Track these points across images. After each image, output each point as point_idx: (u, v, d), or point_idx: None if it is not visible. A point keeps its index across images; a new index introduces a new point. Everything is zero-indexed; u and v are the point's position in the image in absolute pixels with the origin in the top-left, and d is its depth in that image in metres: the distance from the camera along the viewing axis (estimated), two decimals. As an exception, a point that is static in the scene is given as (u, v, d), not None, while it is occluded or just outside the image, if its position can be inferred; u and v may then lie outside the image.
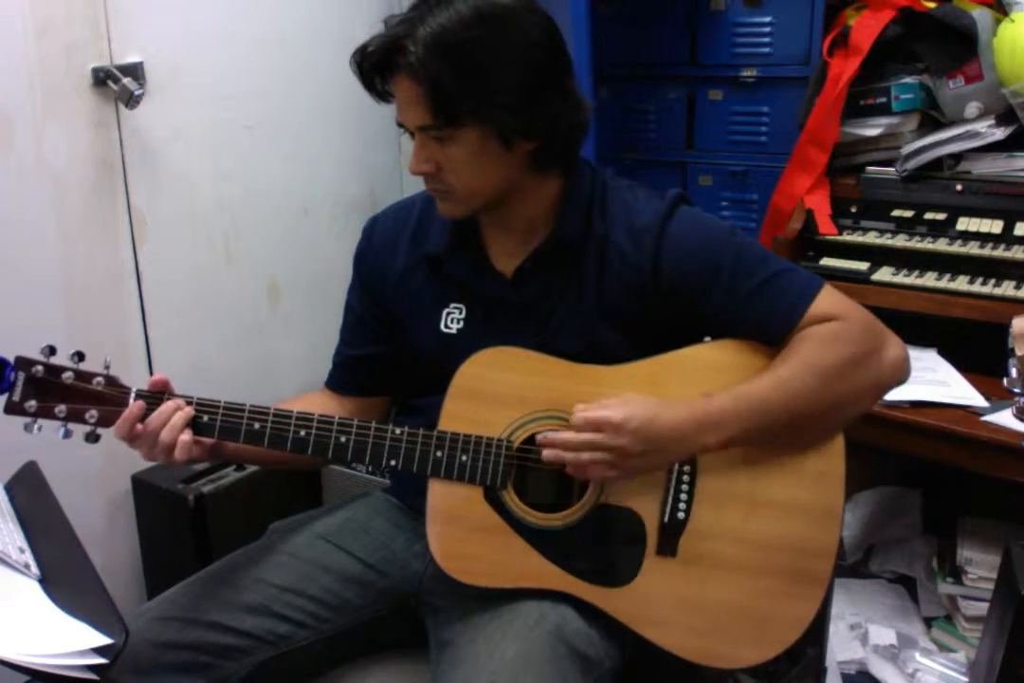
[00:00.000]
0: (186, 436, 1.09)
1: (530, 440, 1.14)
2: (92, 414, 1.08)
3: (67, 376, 1.08)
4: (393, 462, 1.14)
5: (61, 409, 1.08)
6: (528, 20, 1.07)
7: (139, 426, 1.08)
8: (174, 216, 1.96)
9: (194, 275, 2.02)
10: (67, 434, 1.09)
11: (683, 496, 1.14)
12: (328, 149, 2.30)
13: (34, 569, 1.01)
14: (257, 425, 1.12)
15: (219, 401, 1.12)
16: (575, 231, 1.17)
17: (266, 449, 1.13)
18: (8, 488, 1.16)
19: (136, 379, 1.13)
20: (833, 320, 1.12)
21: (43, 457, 1.21)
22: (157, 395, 1.11)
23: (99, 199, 1.82)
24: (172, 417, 1.09)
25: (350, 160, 2.37)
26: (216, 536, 1.84)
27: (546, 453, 1.08)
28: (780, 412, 1.09)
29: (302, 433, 1.13)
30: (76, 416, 1.08)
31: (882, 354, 1.13)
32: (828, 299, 1.14)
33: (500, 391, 1.14)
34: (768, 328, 1.14)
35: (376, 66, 1.08)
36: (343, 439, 1.13)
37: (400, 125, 1.12)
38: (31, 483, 1.17)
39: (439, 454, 1.13)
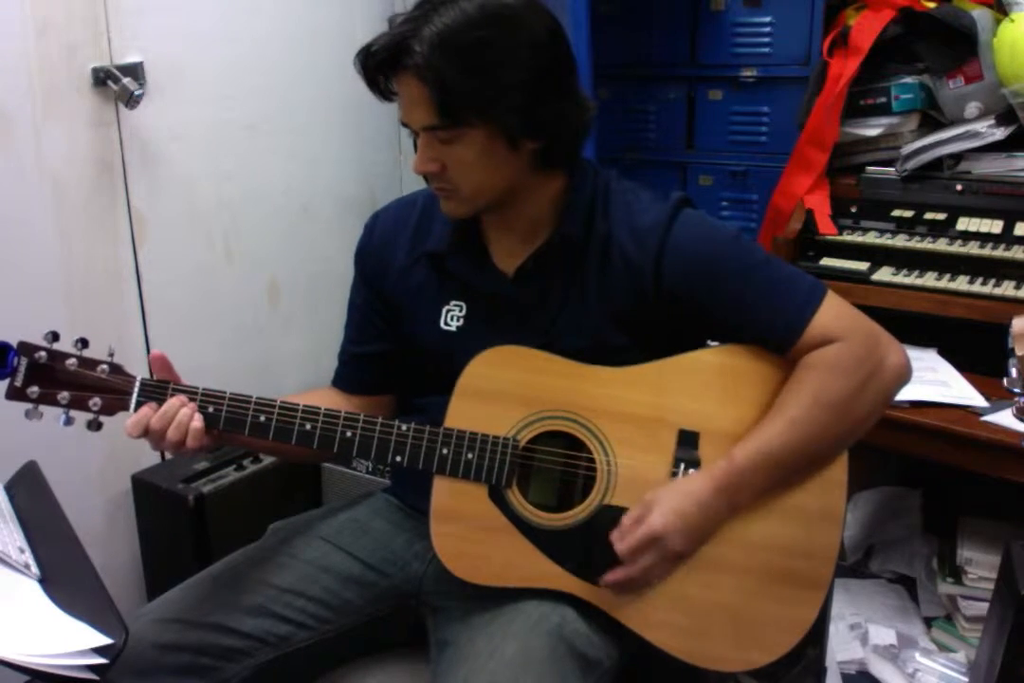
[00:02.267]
0: (197, 423, 1.09)
1: (536, 439, 1.14)
2: (96, 402, 1.08)
3: (71, 362, 1.07)
4: (399, 458, 1.14)
5: (64, 396, 1.07)
6: (533, 20, 1.07)
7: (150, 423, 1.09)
8: (174, 216, 1.96)
9: (194, 275, 2.02)
10: (68, 421, 1.09)
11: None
12: (328, 149, 2.30)
13: (34, 569, 1.01)
14: (263, 417, 1.12)
15: (224, 392, 1.12)
16: (577, 231, 1.17)
17: (271, 441, 1.13)
18: (8, 488, 1.16)
19: (136, 379, 1.13)
20: (835, 341, 1.11)
21: (43, 457, 1.21)
22: (162, 385, 1.10)
23: (99, 199, 1.82)
24: (177, 414, 1.08)
25: (350, 160, 2.37)
26: (216, 536, 1.84)
27: (618, 591, 1.11)
28: (800, 454, 1.11)
29: (307, 426, 1.13)
30: (79, 403, 1.08)
31: (885, 366, 1.13)
32: (831, 309, 1.13)
33: (506, 390, 1.14)
34: (772, 336, 1.14)
35: (381, 66, 1.07)
36: (348, 434, 1.13)
37: (404, 125, 1.12)
38: (31, 483, 1.16)
39: (445, 451, 1.13)
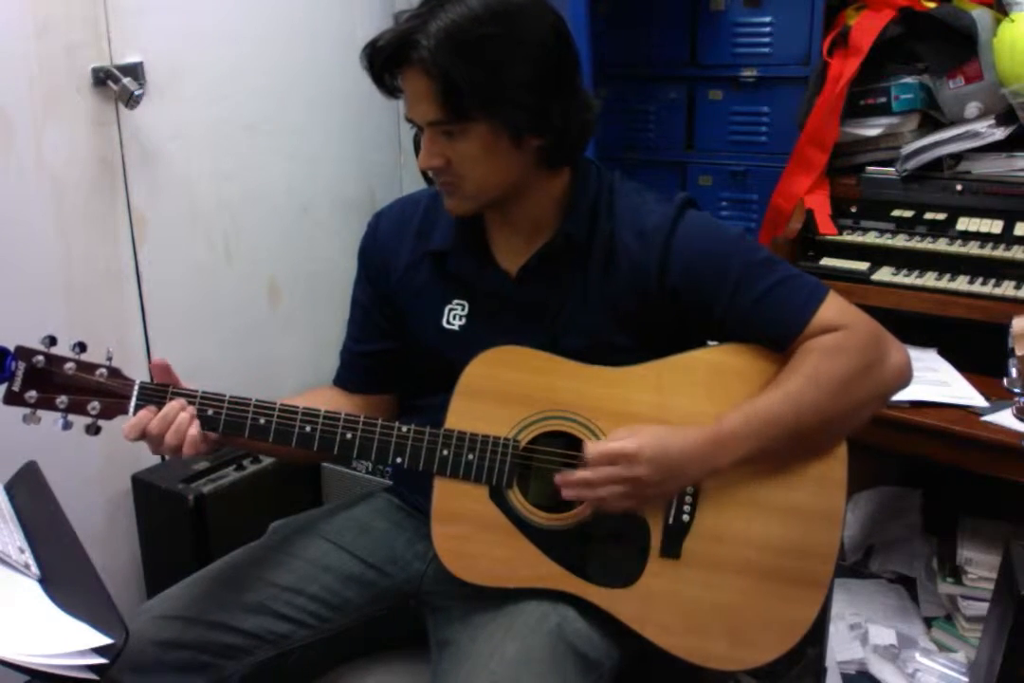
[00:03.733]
0: (194, 430, 1.08)
1: (537, 440, 1.14)
2: (94, 406, 1.08)
3: (69, 366, 1.07)
4: (399, 459, 1.14)
5: (62, 400, 1.07)
6: (538, 16, 1.08)
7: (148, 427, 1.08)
8: (174, 216, 1.96)
9: (194, 275, 2.02)
10: (67, 425, 1.08)
11: (687, 498, 1.14)
12: (328, 148, 2.30)
13: (34, 569, 1.01)
14: (262, 420, 1.11)
15: (224, 395, 1.12)
16: (580, 230, 1.17)
17: (271, 444, 1.13)
18: (8, 488, 1.16)
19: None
20: (838, 330, 1.12)
21: (43, 457, 1.21)
22: (161, 389, 1.10)
23: (99, 199, 1.82)
24: (176, 418, 1.08)
25: (350, 159, 2.37)
26: (216, 536, 1.84)
27: (566, 493, 1.09)
28: (790, 428, 1.10)
29: (307, 429, 1.12)
30: (78, 408, 1.07)
31: (886, 362, 1.13)
32: (833, 307, 1.14)
33: (507, 390, 1.14)
34: (774, 334, 1.14)
35: (387, 61, 1.07)
36: (349, 435, 1.13)
37: (409, 120, 1.12)
38: (31, 483, 1.16)
39: (445, 452, 1.13)
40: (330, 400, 1.29)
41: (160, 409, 1.08)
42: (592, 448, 1.07)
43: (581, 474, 1.07)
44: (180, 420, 1.08)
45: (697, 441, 1.08)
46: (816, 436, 1.13)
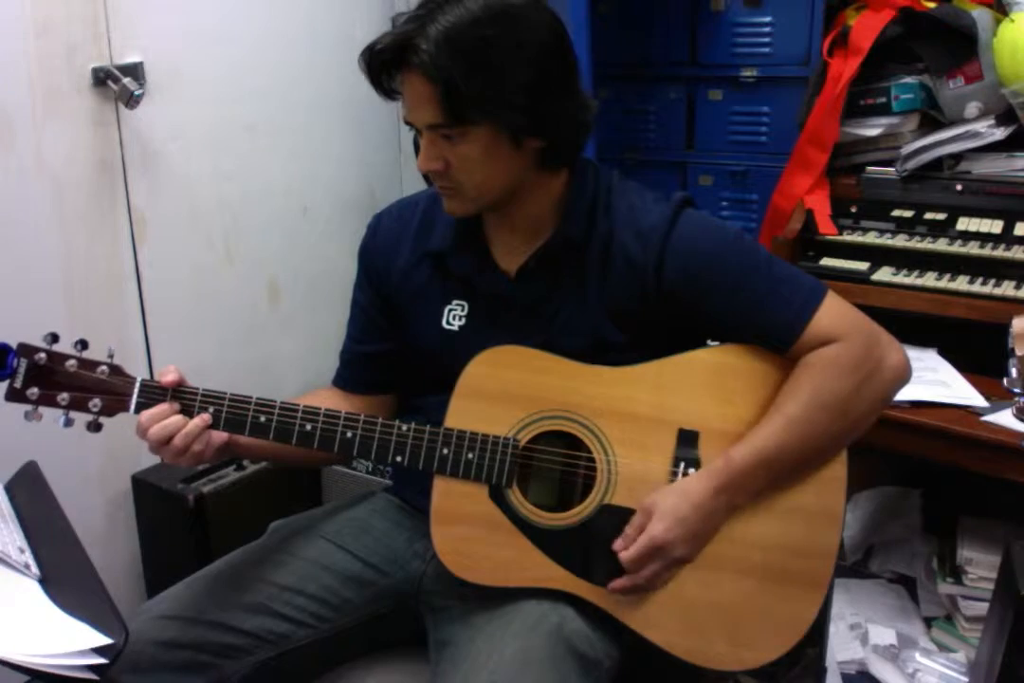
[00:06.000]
0: (198, 447, 1.10)
1: (536, 439, 1.15)
2: (96, 403, 1.08)
3: (71, 364, 1.07)
4: (399, 458, 1.14)
5: (64, 397, 1.07)
6: (537, 18, 1.07)
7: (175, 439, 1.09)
8: (174, 216, 1.96)
9: (194, 275, 2.02)
10: (68, 423, 1.09)
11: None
12: (328, 149, 2.31)
13: (34, 569, 1.01)
14: (263, 418, 1.12)
15: (225, 393, 1.12)
16: (579, 230, 1.17)
17: (272, 443, 1.13)
18: (8, 488, 1.16)
19: (136, 379, 1.13)
20: (835, 341, 1.12)
21: (43, 457, 1.21)
22: (161, 388, 1.10)
23: (99, 199, 1.82)
24: (200, 434, 1.09)
25: (350, 160, 2.37)
26: (216, 536, 1.84)
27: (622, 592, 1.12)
28: (797, 453, 1.11)
29: (308, 427, 1.13)
30: (79, 404, 1.08)
31: (883, 366, 1.13)
32: (830, 311, 1.13)
33: (507, 390, 1.14)
34: (772, 336, 1.14)
35: (386, 65, 1.07)
36: (349, 434, 1.13)
37: (408, 123, 1.12)
38: (31, 483, 1.16)
39: (445, 451, 1.13)
40: (329, 401, 1.29)
41: (182, 415, 1.09)
42: (625, 555, 1.09)
43: (631, 582, 1.10)
44: (201, 437, 1.09)
45: (710, 494, 1.10)
46: (823, 451, 1.14)
